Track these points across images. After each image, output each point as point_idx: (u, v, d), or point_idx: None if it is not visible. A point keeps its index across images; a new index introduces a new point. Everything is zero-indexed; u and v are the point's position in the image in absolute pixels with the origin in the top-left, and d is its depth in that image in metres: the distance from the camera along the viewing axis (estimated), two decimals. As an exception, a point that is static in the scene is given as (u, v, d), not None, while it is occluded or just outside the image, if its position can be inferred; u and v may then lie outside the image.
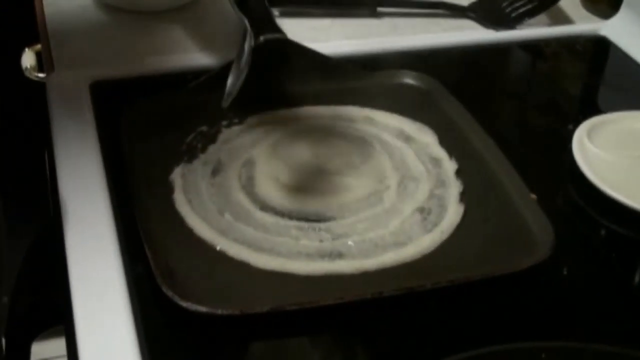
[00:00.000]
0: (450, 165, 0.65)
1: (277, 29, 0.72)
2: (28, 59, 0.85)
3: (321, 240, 0.57)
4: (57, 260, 0.55)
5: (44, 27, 0.80)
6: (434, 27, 0.86)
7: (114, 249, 0.54)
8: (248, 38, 0.67)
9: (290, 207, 0.60)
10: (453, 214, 0.60)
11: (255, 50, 0.69)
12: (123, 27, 0.81)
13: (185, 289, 0.51)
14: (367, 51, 0.80)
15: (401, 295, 0.52)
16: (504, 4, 0.87)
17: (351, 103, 0.72)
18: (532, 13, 0.86)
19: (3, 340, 0.71)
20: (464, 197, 0.62)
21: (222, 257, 0.56)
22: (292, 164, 0.64)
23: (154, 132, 0.66)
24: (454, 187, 0.63)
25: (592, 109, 0.75)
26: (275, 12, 0.81)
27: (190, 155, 0.64)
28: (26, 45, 0.87)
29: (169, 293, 0.51)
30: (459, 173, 0.64)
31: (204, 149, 0.65)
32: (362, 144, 0.67)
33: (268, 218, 0.59)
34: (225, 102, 0.67)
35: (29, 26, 0.84)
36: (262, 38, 0.71)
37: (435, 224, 0.59)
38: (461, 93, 0.72)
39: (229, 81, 0.67)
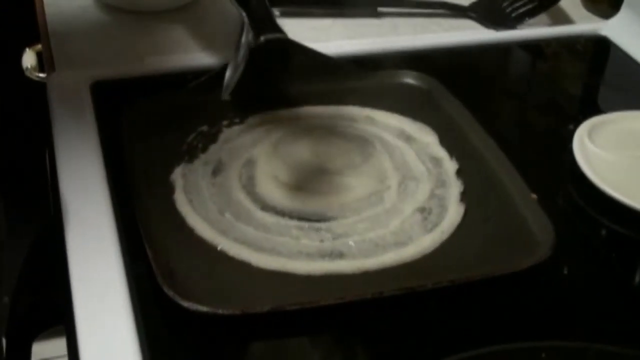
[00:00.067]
0: (450, 165, 0.65)
1: (278, 29, 0.72)
2: (29, 59, 0.85)
3: (322, 240, 0.57)
4: (57, 260, 0.55)
5: (44, 27, 0.80)
6: (435, 27, 0.86)
7: (114, 249, 0.54)
8: (245, 32, 0.67)
9: (291, 206, 0.60)
10: (453, 213, 0.60)
11: (256, 50, 0.69)
12: (123, 27, 0.81)
13: (186, 289, 0.51)
14: (368, 51, 0.80)
15: (401, 295, 0.52)
16: (505, 4, 0.87)
17: (352, 103, 0.72)
18: (532, 13, 0.86)
19: (3, 340, 0.71)
20: (464, 197, 0.62)
21: (223, 256, 0.56)
22: (292, 163, 0.64)
23: (155, 132, 0.66)
24: (455, 187, 0.63)
25: (592, 109, 0.75)
26: (276, 12, 0.81)
27: (190, 155, 0.64)
28: (27, 45, 0.87)
29: (170, 293, 0.51)
30: (459, 173, 0.64)
31: (204, 149, 0.65)
32: (362, 143, 0.67)
33: (269, 218, 0.59)
34: (224, 95, 0.67)
35: (29, 26, 0.84)
36: (262, 38, 0.71)
37: (436, 224, 0.59)
38: (462, 93, 0.72)
39: (227, 74, 0.67)
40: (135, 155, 0.63)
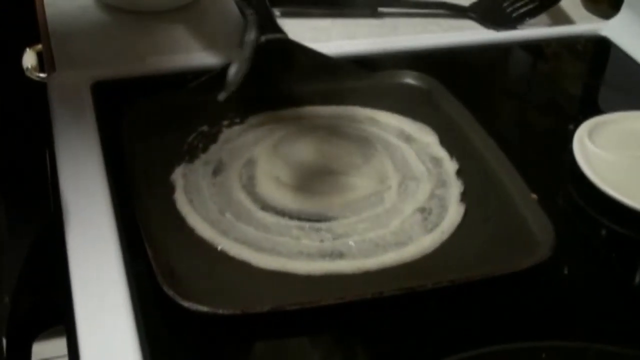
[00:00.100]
0: (451, 165, 0.65)
1: (279, 29, 0.73)
2: (29, 59, 0.85)
3: (322, 240, 0.57)
4: (57, 260, 0.55)
5: (45, 27, 0.80)
6: (435, 27, 0.86)
7: (114, 249, 0.54)
8: (248, 31, 0.67)
9: (291, 207, 0.60)
10: (454, 214, 0.60)
11: (257, 50, 0.69)
12: (124, 27, 0.81)
13: (186, 289, 0.51)
14: (368, 51, 0.80)
15: (402, 295, 0.52)
16: (505, 4, 0.87)
17: (352, 103, 0.72)
18: (532, 13, 0.86)
19: (4, 340, 0.71)
20: (464, 197, 0.62)
21: (223, 256, 0.56)
22: (293, 163, 0.64)
23: (155, 132, 0.66)
24: (455, 187, 0.63)
25: (592, 109, 0.75)
26: (277, 12, 0.81)
27: (191, 155, 0.64)
28: (27, 45, 0.87)
29: (170, 293, 0.51)
30: (459, 173, 0.64)
31: (205, 149, 0.65)
32: (363, 143, 0.67)
33: (269, 218, 0.59)
34: (222, 96, 0.64)
35: (29, 26, 0.84)
36: (263, 38, 0.71)
37: (436, 224, 0.59)
38: (462, 93, 0.72)
39: (229, 73, 0.67)
40: (136, 155, 0.63)
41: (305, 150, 0.66)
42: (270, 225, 0.58)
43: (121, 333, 0.49)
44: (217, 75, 0.70)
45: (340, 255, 0.56)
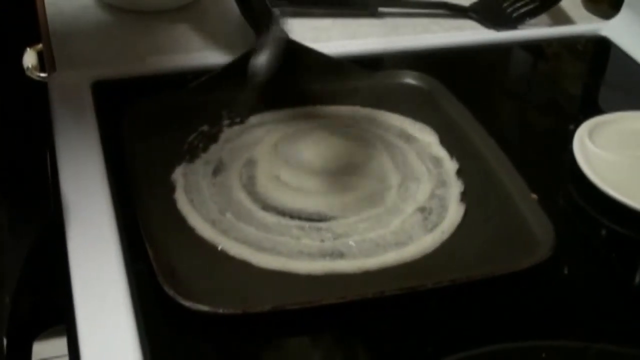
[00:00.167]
0: (451, 165, 0.65)
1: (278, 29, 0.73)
2: (29, 58, 0.85)
3: (322, 240, 0.58)
4: (58, 260, 0.55)
5: (45, 27, 0.80)
6: (435, 28, 0.86)
7: (115, 249, 0.54)
8: (274, 25, 0.66)
9: (292, 206, 0.60)
10: (454, 213, 0.60)
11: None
12: (124, 27, 0.81)
13: (186, 288, 0.51)
14: (369, 51, 0.80)
15: (402, 294, 0.52)
16: (505, 4, 0.87)
17: (352, 103, 0.72)
18: (533, 13, 0.86)
19: (4, 340, 0.71)
20: (464, 197, 0.62)
21: (224, 256, 0.56)
22: (293, 163, 0.64)
23: (156, 131, 0.66)
24: (455, 187, 0.63)
25: (593, 109, 0.75)
26: (277, 12, 0.81)
27: (191, 154, 0.64)
28: (27, 45, 0.87)
29: (171, 292, 0.51)
30: (459, 173, 0.64)
31: (205, 149, 0.65)
32: (363, 143, 0.67)
33: (269, 217, 0.59)
34: (250, 86, 0.65)
35: (30, 26, 0.84)
36: (263, 38, 0.71)
37: (436, 224, 0.59)
38: (462, 93, 0.72)
39: (253, 64, 0.66)
40: (136, 155, 0.63)
41: (305, 150, 0.66)
42: (271, 225, 0.59)
43: (122, 332, 0.49)
44: (218, 75, 0.70)
45: (341, 255, 0.56)
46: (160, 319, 0.52)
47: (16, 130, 1.18)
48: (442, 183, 0.63)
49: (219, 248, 0.56)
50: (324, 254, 0.56)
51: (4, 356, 0.72)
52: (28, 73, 0.86)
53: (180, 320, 0.51)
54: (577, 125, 0.69)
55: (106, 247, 0.54)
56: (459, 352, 0.48)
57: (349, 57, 0.76)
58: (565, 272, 0.59)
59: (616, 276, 0.59)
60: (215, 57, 0.75)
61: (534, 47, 0.86)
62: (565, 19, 0.89)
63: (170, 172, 0.62)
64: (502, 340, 0.50)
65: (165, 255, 0.54)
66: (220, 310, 0.50)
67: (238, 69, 0.71)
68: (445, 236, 0.58)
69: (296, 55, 0.71)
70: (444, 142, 0.67)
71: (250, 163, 0.64)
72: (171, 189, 0.61)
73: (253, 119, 0.69)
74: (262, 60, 0.66)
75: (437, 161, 0.66)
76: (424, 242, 0.58)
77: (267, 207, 0.60)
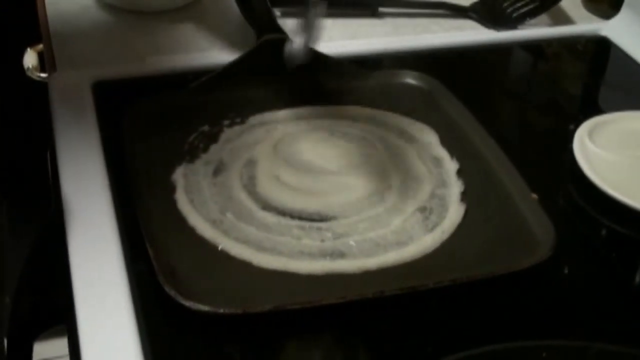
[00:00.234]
0: (451, 165, 0.65)
1: (279, 29, 0.73)
2: (30, 59, 0.86)
3: (323, 240, 0.58)
4: (59, 260, 0.55)
5: (45, 27, 0.80)
6: (435, 27, 0.86)
7: (116, 249, 0.54)
8: (311, 9, 0.66)
9: (292, 206, 0.60)
10: (454, 213, 0.60)
11: (257, 50, 0.69)
12: (125, 27, 0.81)
13: (187, 288, 0.51)
14: (369, 51, 0.80)
15: (403, 294, 0.52)
16: (505, 4, 0.87)
17: (352, 103, 0.72)
18: (533, 13, 0.86)
19: (5, 340, 0.71)
20: (465, 196, 0.62)
21: (224, 256, 0.56)
22: (293, 163, 0.64)
23: (156, 132, 0.66)
24: (455, 187, 0.63)
25: (593, 109, 0.75)
26: (277, 12, 0.81)
27: (192, 155, 0.64)
28: (28, 45, 0.87)
29: (171, 292, 0.51)
30: (460, 173, 0.64)
31: (205, 149, 0.65)
32: (363, 143, 0.67)
33: (270, 217, 0.59)
34: (290, 67, 0.67)
35: (30, 26, 0.84)
36: (263, 38, 0.71)
37: (437, 224, 0.59)
38: (462, 93, 0.72)
39: (290, 47, 0.68)
40: (137, 155, 0.63)
41: (305, 150, 0.66)
42: (271, 224, 0.59)
43: (122, 332, 0.49)
44: (218, 76, 0.71)
45: (341, 254, 0.56)
46: (161, 319, 0.52)
47: (16, 130, 1.18)
48: (442, 183, 0.63)
49: (220, 248, 0.56)
50: (325, 254, 0.56)
51: (5, 356, 0.72)
52: (28, 73, 0.86)
53: (180, 320, 0.51)
54: (577, 125, 0.69)
55: (107, 247, 0.54)
56: (459, 352, 0.48)
57: (349, 57, 0.76)
58: (565, 272, 0.59)
59: (616, 276, 0.59)
60: (215, 57, 0.75)
61: (534, 47, 0.86)
62: (565, 19, 0.89)
63: (170, 172, 0.62)
64: (502, 340, 0.50)
65: (165, 255, 0.54)
66: (221, 310, 0.50)
67: (238, 69, 0.71)
68: (445, 236, 0.58)
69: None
70: (444, 142, 0.67)
71: (251, 163, 0.64)
72: (172, 189, 0.61)
73: (253, 119, 0.69)
74: (299, 43, 0.66)
75: (437, 161, 0.66)
76: (424, 242, 0.58)
77: (267, 207, 0.60)
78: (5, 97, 1.17)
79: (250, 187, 0.62)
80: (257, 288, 0.54)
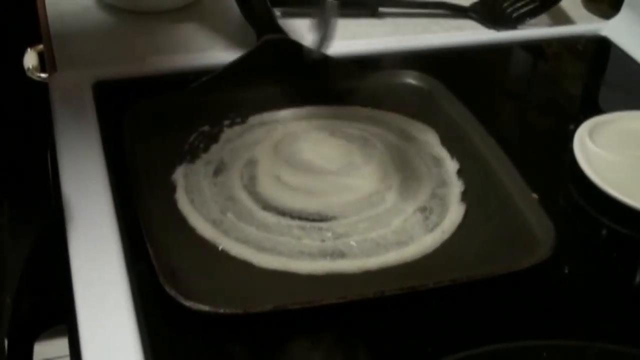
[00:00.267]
0: (451, 165, 0.65)
1: (279, 29, 0.73)
2: (30, 59, 0.85)
3: (323, 240, 0.58)
4: (59, 260, 0.55)
5: (46, 28, 0.80)
6: (435, 27, 0.86)
7: (116, 249, 0.54)
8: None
9: (292, 206, 0.60)
10: (454, 213, 0.60)
11: (257, 50, 0.69)
12: (125, 28, 0.81)
13: (187, 288, 0.51)
14: (369, 51, 0.80)
15: (403, 294, 0.52)
16: (505, 5, 0.87)
17: (352, 103, 0.72)
18: (533, 13, 0.86)
19: (5, 341, 0.71)
20: (465, 196, 0.62)
21: (225, 256, 0.56)
22: (293, 163, 0.64)
23: (157, 132, 0.66)
24: (456, 187, 0.63)
25: (593, 109, 0.75)
26: (277, 12, 0.81)
27: (192, 155, 0.64)
28: (28, 45, 0.87)
29: (172, 292, 0.51)
30: (460, 173, 0.64)
31: (206, 149, 0.65)
32: (363, 143, 0.67)
33: (270, 217, 0.59)
34: (310, 59, 0.68)
35: (31, 26, 0.84)
36: (263, 38, 0.71)
37: (437, 224, 0.59)
38: (462, 93, 0.72)
39: (310, 42, 0.68)
40: (137, 155, 0.63)
41: (306, 150, 0.66)
42: (272, 225, 0.59)
43: (123, 332, 0.49)
44: (218, 76, 0.71)
45: (342, 254, 0.56)
46: (161, 319, 0.52)
47: (16, 130, 1.18)
48: (442, 183, 0.63)
49: (220, 248, 0.56)
50: (325, 254, 0.56)
51: (5, 356, 0.72)
52: (29, 73, 0.86)
53: (181, 320, 0.51)
54: (577, 125, 0.69)
55: (107, 247, 0.54)
56: (459, 352, 0.48)
57: (349, 57, 0.76)
58: (566, 271, 0.59)
59: (616, 276, 0.59)
60: (215, 57, 0.76)
61: (534, 47, 0.86)
62: (565, 19, 0.89)
63: (171, 172, 0.62)
64: (502, 340, 0.50)
65: (166, 255, 0.54)
66: (221, 310, 0.50)
67: (239, 69, 0.71)
68: (445, 236, 0.59)
69: (296, 56, 0.71)
70: (444, 142, 0.68)
71: (251, 163, 0.64)
72: (172, 189, 0.61)
73: (253, 119, 0.69)
74: (317, 38, 0.66)
75: (437, 161, 0.66)
76: (425, 242, 0.58)
77: (268, 207, 0.60)
78: (6, 97, 1.17)
79: (251, 187, 0.62)
80: (258, 288, 0.54)
